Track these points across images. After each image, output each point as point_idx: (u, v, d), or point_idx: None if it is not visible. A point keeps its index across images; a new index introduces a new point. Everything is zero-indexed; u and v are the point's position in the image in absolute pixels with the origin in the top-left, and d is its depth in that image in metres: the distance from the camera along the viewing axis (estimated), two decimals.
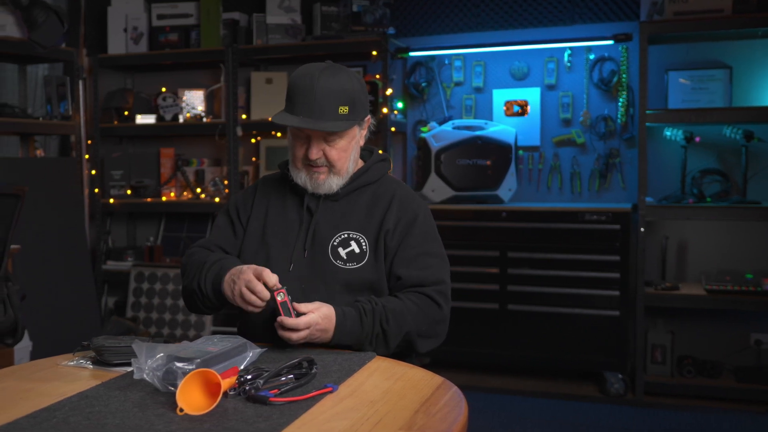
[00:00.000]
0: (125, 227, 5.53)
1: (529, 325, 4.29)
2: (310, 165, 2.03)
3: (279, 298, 1.81)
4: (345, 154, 2.04)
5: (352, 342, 1.90)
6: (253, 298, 1.85)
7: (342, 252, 2.03)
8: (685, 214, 4.14)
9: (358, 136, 2.08)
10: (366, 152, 2.19)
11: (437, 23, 4.78)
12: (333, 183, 2.05)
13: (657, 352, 4.23)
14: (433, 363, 4.65)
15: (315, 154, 2.00)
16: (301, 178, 2.06)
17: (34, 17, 4.13)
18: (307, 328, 1.80)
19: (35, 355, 4.05)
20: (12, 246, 3.75)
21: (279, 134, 5.00)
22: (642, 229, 4.11)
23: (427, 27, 4.80)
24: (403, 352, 2.10)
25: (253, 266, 1.90)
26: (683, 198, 4.19)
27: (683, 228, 4.45)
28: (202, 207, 4.96)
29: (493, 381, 4.44)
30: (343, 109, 1.97)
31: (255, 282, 1.85)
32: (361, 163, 2.15)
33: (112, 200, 5.16)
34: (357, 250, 2.03)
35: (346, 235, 2.05)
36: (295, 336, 1.80)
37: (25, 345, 4.07)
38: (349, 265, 2.01)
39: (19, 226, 4.01)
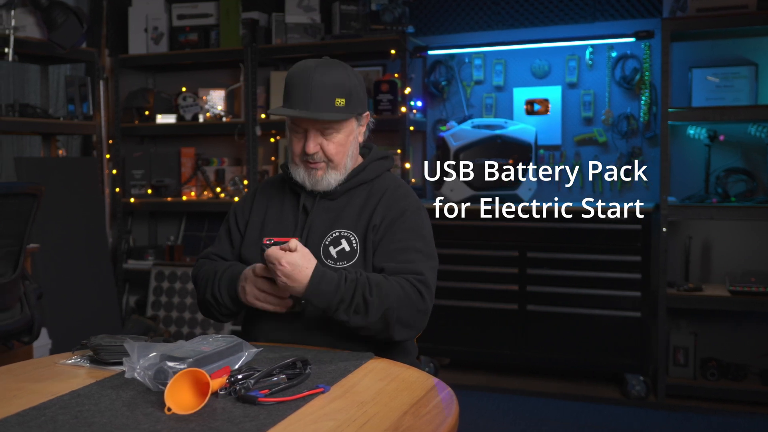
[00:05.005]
0: (146, 226, 5.56)
1: (549, 326, 4.24)
2: (308, 161, 2.02)
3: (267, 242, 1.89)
4: (343, 149, 2.02)
5: (323, 304, 1.84)
6: (270, 298, 1.94)
7: (332, 251, 2.00)
8: (709, 214, 4.06)
9: (356, 132, 2.07)
10: (365, 149, 2.16)
11: (457, 21, 4.74)
12: (331, 179, 2.03)
13: (679, 354, 4.16)
14: (452, 364, 4.63)
15: (312, 147, 1.98)
16: (299, 174, 2.05)
17: (54, 18, 4.16)
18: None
19: (55, 353, 4.08)
20: (31, 245, 3.79)
21: None
22: (664, 229, 4.04)
23: (446, 25, 4.77)
24: (383, 341, 2.04)
25: (248, 268, 1.98)
26: (707, 197, 4.11)
27: (707, 228, 4.37)
28: (222, 206, 4.97)
29: (512, 382, 4.39)
30: (340, 102, 1.96)
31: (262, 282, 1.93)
32: (360, 161, 2.13)
33: (133, 199, 5.19)
34: (347, 249, 2.00)
35: (337, 234, 2.02)
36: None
37: (44, 343, 4.11)
38: (339, 264, 1.98)
39: (40, 225, 4.07)
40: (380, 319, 1.86)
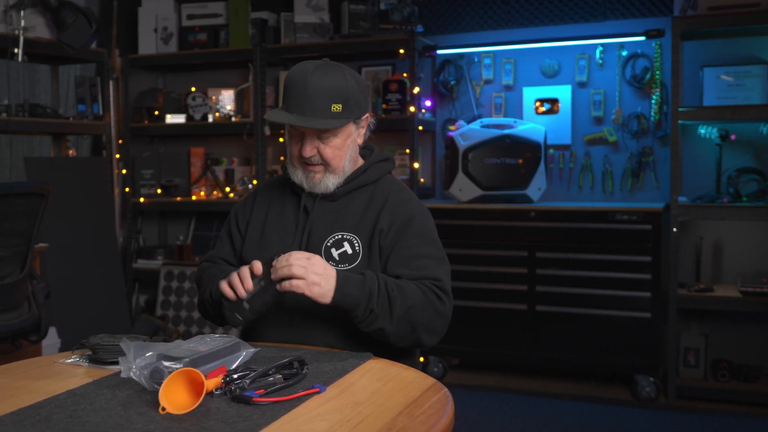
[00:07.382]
0: (156, 226, 5.57)
1: (559, 327, 4.21)
2: (306, 163, 2.00)
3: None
4: (340, 153, 2.00)
5: (358, 293, 1.79)
6: (237, 281, 1.84)
7: (334, 253, 1.98)
8: (720, 214, 4.02)
9: (354, 135, 2.04)
10: (367, 151, 2.14)
11: (466, 20, 4.72)
12: (329, 182, 2.02)
13: (690, 355, 4.12)
14: (462, 364, 4.61)
15: (308, 151, 1.97)
16: (297, 176, 2.03)
17: (63, 18, 4.18)
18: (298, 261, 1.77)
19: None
20: (41, 244, 3.81)
21: None
22: (674, 230, 4.00)
23: (455, 24, 4.75)
24: (409, 351, 2.05)
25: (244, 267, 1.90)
26: (718, 197, 4.07)
27: (718, 228, 4.33)
28: (231, 206, 4.95)
29: (521, 383, 4.37)
30: (336, 107, 1.94)
31: (242, 269, 1.85)
32: (361, 162, 2.11)
33: (142, 199, 5.21)
34: (350, 251, 1.98)
35: (339, 236, 2.00)
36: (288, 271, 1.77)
37: (53, 342, 4.12)
38: (341, 267, 1.96)
39: (50, 225, 4.09)
40: (404, 319, 1.83)
